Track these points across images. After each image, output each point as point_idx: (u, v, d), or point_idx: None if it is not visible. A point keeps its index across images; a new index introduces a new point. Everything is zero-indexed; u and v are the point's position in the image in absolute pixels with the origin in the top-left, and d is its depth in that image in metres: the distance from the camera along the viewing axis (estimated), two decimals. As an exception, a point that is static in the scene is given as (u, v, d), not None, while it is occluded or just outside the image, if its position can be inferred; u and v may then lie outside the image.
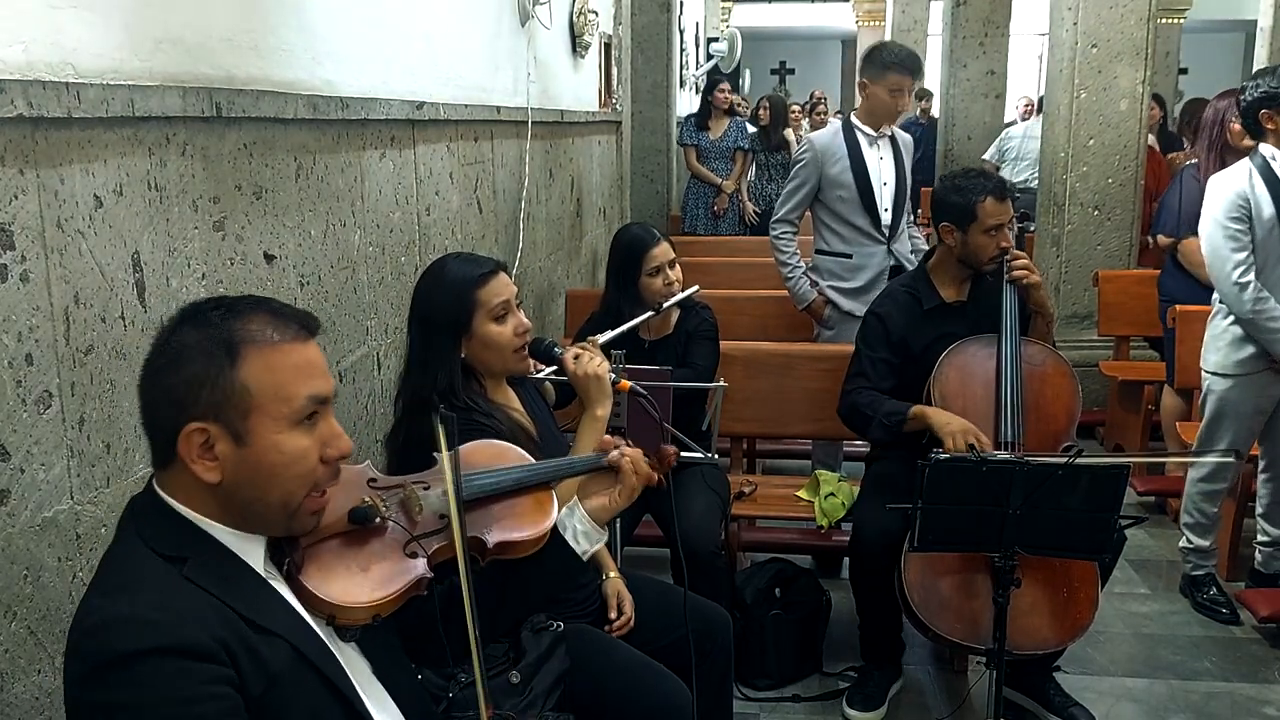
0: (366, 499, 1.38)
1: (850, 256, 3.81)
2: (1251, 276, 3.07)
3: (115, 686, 1.07)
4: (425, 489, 1.45)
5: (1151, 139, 6.39)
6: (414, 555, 1.39)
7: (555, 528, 1.59)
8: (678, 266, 2.97)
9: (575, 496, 1.68)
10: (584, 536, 1.63)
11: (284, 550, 1.30)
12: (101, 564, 1.22)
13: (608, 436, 1.74)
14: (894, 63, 3.69)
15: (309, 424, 1.24)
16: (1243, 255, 3.07)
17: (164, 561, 1.18)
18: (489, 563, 1.54)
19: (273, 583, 1.28)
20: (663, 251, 2.93)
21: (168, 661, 1.08)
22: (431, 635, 1.58)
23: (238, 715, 1.12)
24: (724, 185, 6.77)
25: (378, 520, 1.37)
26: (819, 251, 3.91)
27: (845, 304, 3.80)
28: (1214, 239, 3.13)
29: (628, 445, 1.70)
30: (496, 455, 1.64)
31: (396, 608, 1.35)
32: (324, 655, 1.26)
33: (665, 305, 2.90)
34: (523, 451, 1.69)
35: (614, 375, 2.10)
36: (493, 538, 1.50)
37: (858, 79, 3.83)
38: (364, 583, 1.33)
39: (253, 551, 1.26)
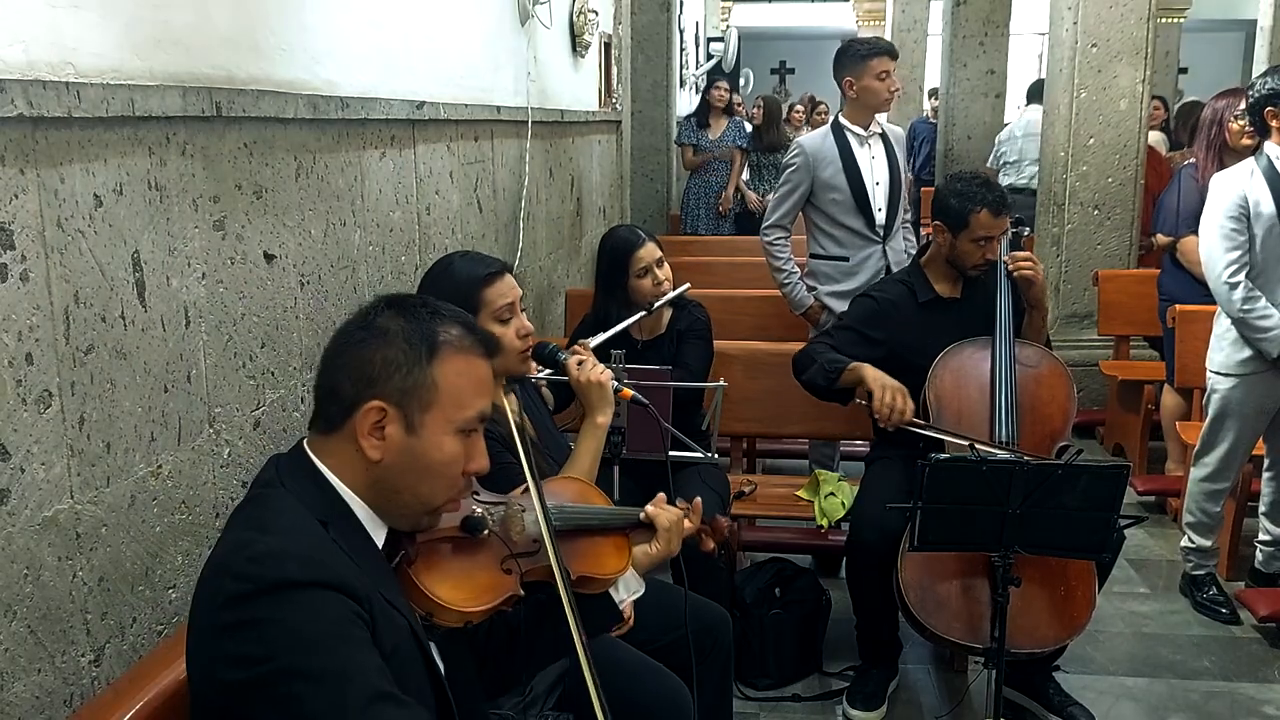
0: (478, 510, 1.44)
1: (846, 259, 3.78)
2: (1242, 277, 3.09)
3: (277, 606, 1.13)
4: (523, 511, 1.51)
5: (1159, 137, 6.37)
6: (509, 572, 1.45)
7: None
8: (667, 265, 2.95)
9: None
10: (623, 584, 1.67)
11: (400, 542, 1.36)
12: (247, 509, 1.28)
13: (661, 495, 1.80)
14: (870, 50, 3.71)
15: (466, 436, 1.32)
16: (1236, 255, 3.09)
17: (314, 519, 1.24)
18: (530, 607, 1.58)
19: None
20: (649, 252, 2.91)
21: (329, 594, 1.15)
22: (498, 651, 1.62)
23: (376, 655, 1.17)
24: (724, 199, 6.76)
25: (485, 532, 1.43)
26: (814, 256, 3.88)
27: (841, 308, 3.76)
28: (1210, 237, 3.15)
29: (670, 504, 1.75)
30: (581, 494, 1.73)
31: (484, 619, 1.41)
32: (427, 644, 1.33)
33: (656, 305, 2.88)
34: (602, 493, 1.76)
35: (616, 384, 2.11)
36: (575, 570, 1.55)
37: (839, 80, 3.79)
38: (468, 589, 1.39)
39: (378, 534, 1.32)
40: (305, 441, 1.33)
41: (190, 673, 1.22)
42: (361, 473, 1.29)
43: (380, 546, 1.32)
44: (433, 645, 1.39)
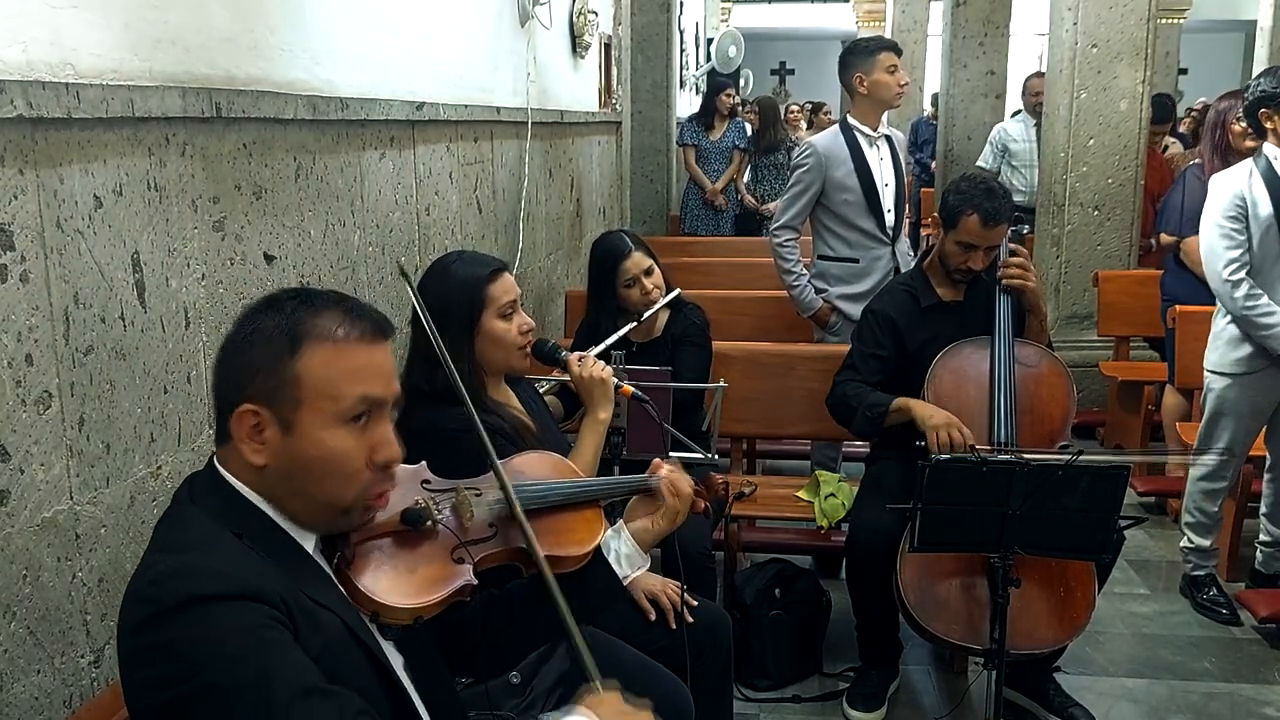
0: (420, 500, 1.38)
1: (856, 261, 3.75)
2: (1243, 275, 3.09)
3: (185, 625, 1.09)
4: (477, 495, 1.45)
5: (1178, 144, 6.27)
6: (460, 561, 1.39)
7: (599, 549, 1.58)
8: (658, 272, 2.94)
9: (621, 520, 1.67)
10: (626, 560, 1.62)
11: (335, 543, 1.31)
12: (160, 530, 1.24)
13: (657, 460, 1.70)
14: (878, 45, 3.75)
15: (358, 425, 1.24)
16: (1236, 254, 3.09)
17: (225, 530, 1.20)
18: (529, 581, 1.54)
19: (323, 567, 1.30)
20: (635, 263, 2.89)
21: (238, 604, 1.11)
22: (463, 640, 1.58)
23: (297, 652, 1.13)
24: (710, 189, 6.74)
25: (429, 523, 1.37)
26: (822, 257, 3.85)
27: (853, 310, 3.66)
28: (1210, 237, 3.16)
29: (673, 469, 1.66)
30: (548, 467, 1.65)
31: (439, 612, 1.35)
32: (371, 638, 1.29)
33: (645, 315, 2.89)
34: (573, 466, 1.69)
35: (616, 381, 2.11)
36: (541, 550, 1.48)
37: (849, 79, 3.79)
38: (411, 585, 1.33)
39: (305, 536, 1.28)
40: (214, 455, 1.29)
41: (126, 700, 1.17)
42: (256, 479, 1.24)
43: (312, 549, 1.28)
44: (390, 643, 1.36)
